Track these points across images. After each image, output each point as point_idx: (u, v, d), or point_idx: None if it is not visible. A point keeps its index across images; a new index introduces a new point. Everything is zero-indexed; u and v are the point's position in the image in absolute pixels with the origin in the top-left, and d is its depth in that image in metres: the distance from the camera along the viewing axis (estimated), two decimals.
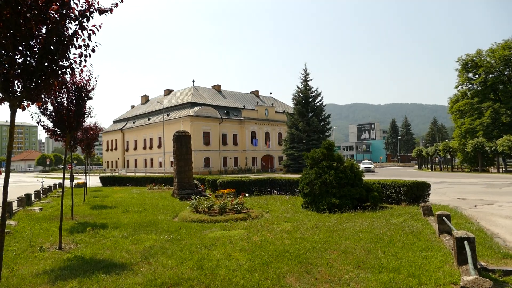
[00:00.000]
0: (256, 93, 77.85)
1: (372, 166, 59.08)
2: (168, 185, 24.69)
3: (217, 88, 71.42)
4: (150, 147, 66.16)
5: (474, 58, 51.54)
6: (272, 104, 72.86)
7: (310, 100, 54.76)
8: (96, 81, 9.30)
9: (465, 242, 5.09)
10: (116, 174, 51.60)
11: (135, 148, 70.78)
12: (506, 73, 51.15)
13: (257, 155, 65.09)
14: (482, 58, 50.86)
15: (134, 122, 72.65)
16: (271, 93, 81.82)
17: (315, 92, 55.10)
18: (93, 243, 8.19)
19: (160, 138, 62.30)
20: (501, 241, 7.45)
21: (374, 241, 7.51)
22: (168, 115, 61.68)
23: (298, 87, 55.45)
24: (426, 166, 65.84)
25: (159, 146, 62.36)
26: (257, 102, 70.47)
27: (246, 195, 16.80)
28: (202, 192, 18.46)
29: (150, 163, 66.02)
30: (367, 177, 14.57)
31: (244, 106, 66.68)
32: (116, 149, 76.88)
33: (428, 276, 5.29)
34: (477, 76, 52.16)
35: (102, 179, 30.79)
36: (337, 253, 6.72)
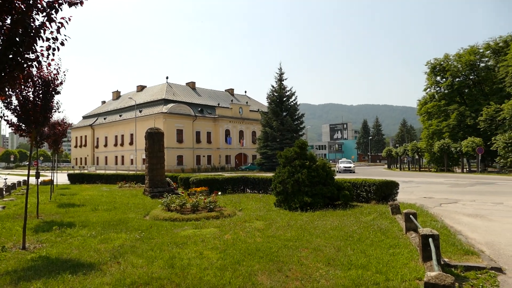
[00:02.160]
0: (230, 91, 77.69)
1: (352, 165, 50.08)
2: (139, 183, 24.25)
3: (192, 85, 70.74)
4: (122, 144, 64.71)
5: (442, 62, 53.50)
6: (247, 102, 72.92)
7: (284, 99, 55.19)
8: (64, 75, 9.00)
9: (430, 239, 5.27)
10: (85, 171, 50.16)
11: (105, 145, 69.03)
12: (471, 77, 53.40)
13: (231, 154, 64.98)
14: (450, 62, 52.87)
15: (105, 118, 70.80)
16: (245, 92, 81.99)
17: (290, 91, 55.61)
18: (59, 242, 7.93)
19: (132, 135, 61.06)
20: (463, 238, 7.77)
21: (344, 238, 7.67)
22: (140, 111, 60.52)
23: (272, 86, 55.77)
24: (395, 165, 67.86)
25: (131, 143, 61.11)
26: (232, 101, 70.36)
27: (219, 193, 16.71)
28: (175, 190, 18.25)
29: (121, 160, 64.59)
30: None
31: (218, 104, 66.38)
32: (85, 145, 74.69)
33: (394, 272, 5.45)
34: (444, 79, 54.20)
35: (70, 176, 29.84)
36: (308, 250, 6.81)
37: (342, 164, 49.78)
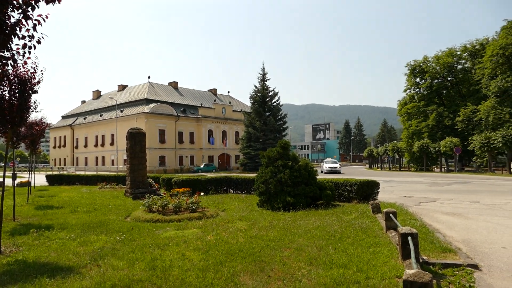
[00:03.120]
0: (213, 91, 77.36)
1: (338, 166, 46.51)
2: (120, 184, 23.87)
3: (174, 85, 70.12)
4: (102, 145, 63.60)
5: (421, 64, 54.73)
6: (230, 102, 72.80)
7: (267, 99, 55.35)
8: (42, 74, 8.78)
9: (409, 238, 5.38)
10: (65, 172, 49.06)
11: (85, 145, 67.72)
12: (449, 79, 54.79)
13: (214, 154, 64.72)
14: (428, 64, 54.14)
15: (85, 118, 69.45)
16: (228, 92, 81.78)
17: (273, 92, 55.80)
18: (37, 245, 7.73)
19: (113, 135, 60.09)
20: (441, 236, 7.96)
21: (326, 238, 7.74)
22: (122, 111, 59.63)
23: (255, 87, 55.88)
24: (376, 165, 68.95)
25: (112, 144, 60.13)
26: (215, 101, 70.10)
27: (202, 194, 16.66)
28: (157, 191, 18.06)
29: (102, 161, 63.47)
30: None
31: (201, 104, 66.03)
32: (64, 146, 73.06)
33: (375, 270, 5.54)
34: (423, 81, 55.47)
35: (49, 177, 29.13)
36: (290, 250, 6.85)
37: (327, 165, 46.36)
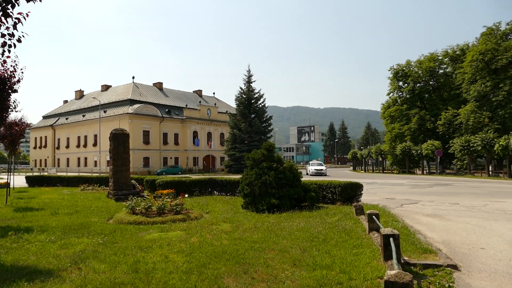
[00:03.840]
0: (199, 93, 77.00)
1: (324, 168, 46.10)
2: (103, 185, 23.49)
3: (159, 86, 69.49)
4: (85, 145, 62.49)
5: (404, 68, 55.73)
6: (215, 104, 72.55)
7: (252, 101, 55.40)
8: (22, 73, 8.61)
9: (391, 239, 5.46)
10: (45, 173, 48.04)
11: (67, 146, 66.41)
12: (431, 83, 55.97)
13: (199, 155, 64.37)
14: (411, 68, 55.16)
15: (67, 118, 68.12)
16: (214, 93, 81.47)
17: (258, 93, 55.85)
18: (15, 248, 7.54)
19: (96, 136, 59.13)
20: (422, 237, 8.11)
21: (309, 239, 7.79)
22: (105, 112, 58.75)
23: (241, 88, 55.84)
24: (360, 167, 69.79)
25: (95, 145, 59.16)
26: (200, 102, 69.75)
27: (186, 195, 16.56)
28: (140, 192, 17.85)
29: (84, 162, 62.36)
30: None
31: (186, 105, 65.62)
32: (45, 146, 71.48)
33: (357, 271, 5.60)
34: (406, 85, 56.47)
35: (29, 179, 28.47)
36: (274, 252, 6.87)
37: (313, 167, 45.96)
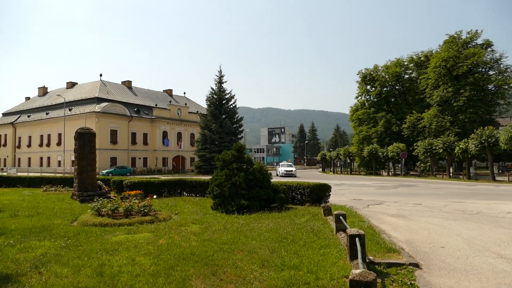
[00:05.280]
0: (169, 92, 75.84)
1: (293, 169, 45.33)
2: (67, 186, 22.65)
3: (128, 84, 67.88)
4: (48, 145, 60.06)
5: (372, 73, 57.37)
6: (186, 104, 71.76)
7: (223, 102, 55.21)
8: None
9: (357, 239, 5.60)
10: (5, 173, 45.69)
11: (29, 145, 63.58)
12: (397, 87, 57.91)
13: (168, 156, 63.39)
14: (378, 73, 56.87)
15: (29, 116, 65.20)
16: (184, 93, 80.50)
17: (229, 94, 55.74)
18: None
19: (60, 134, 56.95)
20: (386, 237, 8.38)
21: (278, 240, 7.86)
22: (70, 110, 56.74)
23: (212, 89, 55.52)
24: (329, 169, 71.15)
25: (59, 144, 56.96)
26: (170, 101, 68.75)
27: (155, 197, 16.28)
28: (107, 194, 17.36)
29: (47, 162, 59.91)
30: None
31: (156, 105, 64.48)
32: (5, 145, 68.10)
33: (324, 271, 5.71)
34: (373, 88, 58.14)
35: None
36: (243, 253, 6.88)
37: (283, 168, 45.69)
